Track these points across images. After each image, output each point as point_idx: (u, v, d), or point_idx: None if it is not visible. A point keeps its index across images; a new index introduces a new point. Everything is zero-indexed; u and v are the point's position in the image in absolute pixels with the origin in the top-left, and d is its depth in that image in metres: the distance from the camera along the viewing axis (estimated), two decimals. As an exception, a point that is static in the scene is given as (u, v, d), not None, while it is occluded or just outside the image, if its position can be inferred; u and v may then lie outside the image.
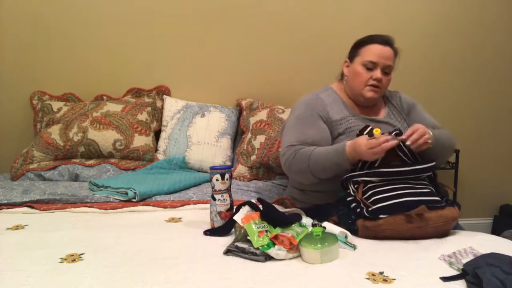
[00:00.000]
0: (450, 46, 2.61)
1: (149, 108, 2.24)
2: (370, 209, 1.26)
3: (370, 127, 1.43)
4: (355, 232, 1.27)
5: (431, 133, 1.46)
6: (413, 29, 2.53)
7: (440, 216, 1.25)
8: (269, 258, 1.09)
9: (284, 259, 1.09)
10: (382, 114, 1.66)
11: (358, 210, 1.30)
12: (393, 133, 1.40)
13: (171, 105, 2.30)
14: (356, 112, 1.63)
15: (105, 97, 2.32)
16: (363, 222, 1.27)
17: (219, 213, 1.33)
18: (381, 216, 1.24)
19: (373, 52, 1.56)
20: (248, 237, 1.13)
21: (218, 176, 1.33)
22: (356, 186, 1.35)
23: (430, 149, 1.45)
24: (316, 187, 1.58)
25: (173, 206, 1.60)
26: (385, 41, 1.57)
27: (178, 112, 2.28)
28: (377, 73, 1.56)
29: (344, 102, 1.64)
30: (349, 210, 1.34)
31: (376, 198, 1.28)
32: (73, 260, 1.07)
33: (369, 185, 1.33)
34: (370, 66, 1.56)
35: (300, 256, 1.11)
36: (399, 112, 1.70)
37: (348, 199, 1.36)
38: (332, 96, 1.65)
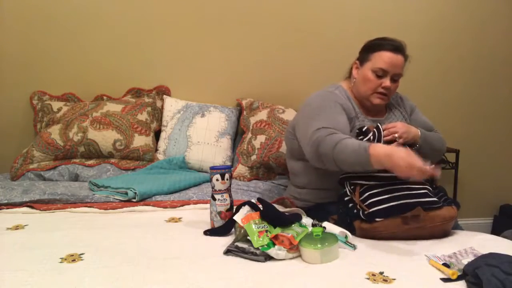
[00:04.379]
0: (449, 46, 2.61)
1: (149, 108, 2.24)
2: (366, 212, 1.26)
3: (366, 127, 1.49)
4: (353, 232, 1.28)
5: (419, 132, 1.53)
6: (412, 28, 2.53)
7: (437, 216, 1.25)
8: (269, 258, 1.09)
9: (284, 259, 1.09)
10: (385, 115, 1.67)
11: (355, 211, 1.30)
12: (376, 127, 1.49)
13: (171, 105, 2.30)
14: (363, 112, 1.63)
15: (105, 97, 2.32)
16: (359, 223, 1.28)
17: (219, 213, 1.33)
18: (377, 219, 1.24)
19: (384, 60, 1.54)
20: (248, 237, 1.13)
21: (218, 176, 1.33)
22: (352, 187, 1.35)
23: (417, 148, 1.50)
24: (317, 185, 1.58)
25: (173, 206, 1.60)
26: (397, 48, 1.54)
27: (178, 112, 2.28)
28: (387, 82, 1.55)
29: (352, 102, 1.64)
30: (347, 209, 1.35)
31: (372, 201, 1.27)
32: (73, 260, 1.07)
33: (365, 186, 1.32)
34: (380, 74, 1.55)
35: (300, 256, 1.11)
36: (401, 113, 1.71)
37: (346, 198, 1.36)
38: (343, 94, 1.63)
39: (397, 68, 1.55)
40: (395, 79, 1.58)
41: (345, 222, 1.32)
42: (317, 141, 1.40)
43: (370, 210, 1.25)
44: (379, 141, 1.46)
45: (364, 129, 1.51)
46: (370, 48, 1.60)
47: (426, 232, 1.25)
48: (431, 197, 1.28)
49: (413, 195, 1.26)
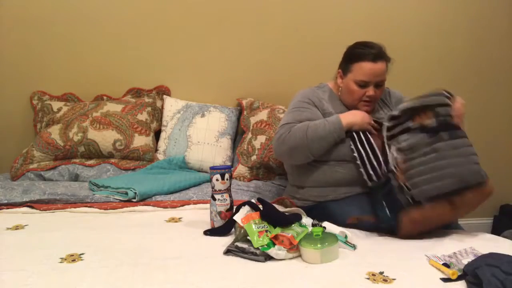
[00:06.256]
0: (449, 46, 2.61)
1: (149, 108, 2.24)
2: (414, 190, 1.25)
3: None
4: (394, 228, 1.28)
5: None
6: (411, 28, 2.53)
7: (479, 194, 1.26)
8: (269, 258, 1.09)
9: (284, 259, 1.09)
10: (373, 111, 1.70)
11: (400, 197, 1.29)
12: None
13: (171, 105, 2.30)
14: (350, 109, 1.67)
15: (105, 97, 2.32)
16: (409, 216, 1.26)
17: (219, 213, 1.33)
18: (426, 204, 1.24)
19: (364, 71, 1.57)
20: (248, 237, 1.13)
21: (218, 176, 1.33)
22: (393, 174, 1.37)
23: None
24: (315, 182, 1.59)
25: (173, 206, 1.60)
26: (376, 56, 1.56)
27: (178, 112, 2.28)
28: (370, 91, 1.59)
29: (339, 101, 1.70)
30: (392, 205, 1.32)
31: (419, 180, 1.27)
32: (73, 260, 1.07)
33: (410, 163, 1.31)
34: (363, 84, 1.59)
35: (300, 256, 1.11)
36: (388, 106, 1.75)
37: (390, 184, 1.34)
38: (328, 93, 1.72)
39: (379, 76, 1.58)
40: (379, 85, 1.61)
41: (386, 219, 1.30)
42: (281, 138, 1.55)
43: (419, 189, 1.25)
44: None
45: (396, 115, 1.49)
46: (350, 58, 1.62)
47: (465, 212, 1.28)
48: (476, 162, 1.28)
49: (459, 173, 1.25)
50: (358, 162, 1.48)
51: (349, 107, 1.67)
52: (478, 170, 1.28)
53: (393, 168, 1.35)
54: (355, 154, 1.49)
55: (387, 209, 1.32)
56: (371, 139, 1.51)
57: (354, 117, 1.54)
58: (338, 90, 1.71)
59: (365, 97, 1.60)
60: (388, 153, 1.40)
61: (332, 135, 1.51)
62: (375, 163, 1.45)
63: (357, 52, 1.60)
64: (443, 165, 1.27)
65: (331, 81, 1.77)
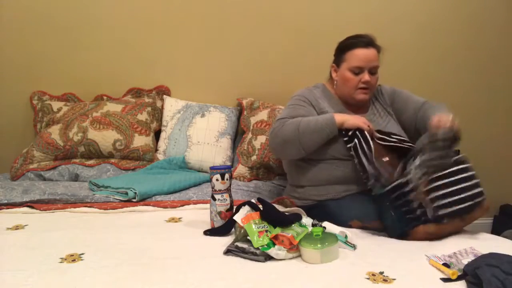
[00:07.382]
0: (449, 45, 2.60)
1: (149, 108, 2.24)
2: (437, 214, 1.28)
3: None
4: (402, 235, 1.30)
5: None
6: (410, 27, 2.52)
7: (482, 210, 1.33)
8: (269, 258, 1.09)
9: (284, 259, 1.09)
10: (368, 111, 1.72)
11: (418, 213, 1.29)
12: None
13: (171, 105, 2.30)
14: (346, 109, 1.70)
15: (105, 97, 2.32)
16: (424, 228, 1.28)
17: (219, 213, 1.33)
18: (445, 221, 1.28)
19: (358, 57, 1.61)
20: (248, 237, 1.13)
21: (218, 176, 1.33)
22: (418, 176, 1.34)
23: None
24: (314, 181, 1.59)
25: (173, 206, 1.60)
26: (367, 43, 1.62)
27: (178, 112, 2.28)
28: (365, 76, 1.62)
29: (335, 99, 1.72)
30: (400, 213, 1.32)
31: (441, 204, 1.30)
32: (73, 260, 1.07)
33: (432, 185, 1.32)
34: (357, 71, 1.62)
35: (300, 256, 1.11)
36: (381, 105, 1.75)
37: (406, 189, 1.31)
38: (324, 93, 1.74)
39: (372, 62, 1.62)
40: (373, 72, 1.64)
41: (398, 227, 1.31)
42: (274, 132, 1.58)
43: (441, 213, 1.28)
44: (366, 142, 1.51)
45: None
46: (343, 49, 1.68)
47: (466, 225, 1.35)
48: (480, 191, 1.33)
49: (471, 196, 1.31)
50: (356, 160, 1.47)
51: (346, 100, 1.69)
52: (482, 190, 1.35)
53: (413, 184, 1.34)
54: (352, 152, 1.49)
55: (396, 219, 1.32)
56: (369, 138, 1.48)
57: (349, 116, 1.56)
58: (334, 86, 1.73)
59: (361, 84, 1.63)
60: (409, 167, 1.37)
61: (324, 130, 1.52)
62: (366, 163, 1.44)
63: (349, 42, 1.66)
64: (460, 190, 1.32)
65: (326, 81, 1.79)
